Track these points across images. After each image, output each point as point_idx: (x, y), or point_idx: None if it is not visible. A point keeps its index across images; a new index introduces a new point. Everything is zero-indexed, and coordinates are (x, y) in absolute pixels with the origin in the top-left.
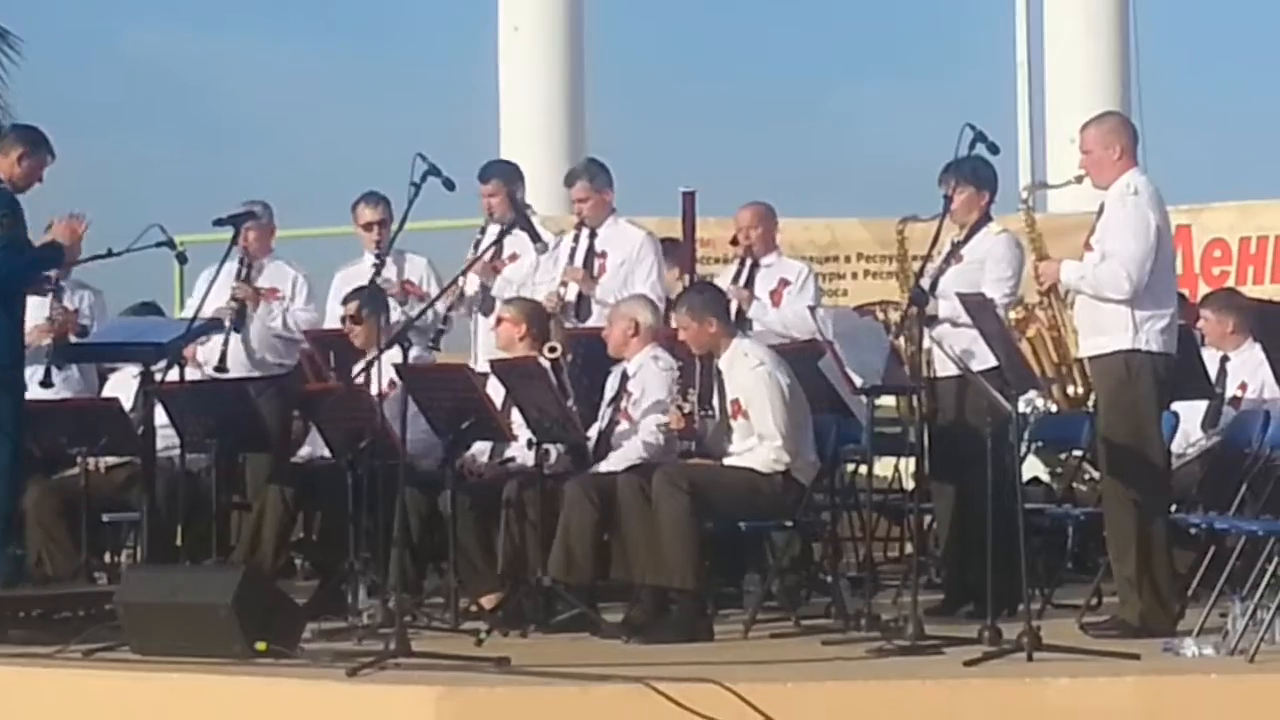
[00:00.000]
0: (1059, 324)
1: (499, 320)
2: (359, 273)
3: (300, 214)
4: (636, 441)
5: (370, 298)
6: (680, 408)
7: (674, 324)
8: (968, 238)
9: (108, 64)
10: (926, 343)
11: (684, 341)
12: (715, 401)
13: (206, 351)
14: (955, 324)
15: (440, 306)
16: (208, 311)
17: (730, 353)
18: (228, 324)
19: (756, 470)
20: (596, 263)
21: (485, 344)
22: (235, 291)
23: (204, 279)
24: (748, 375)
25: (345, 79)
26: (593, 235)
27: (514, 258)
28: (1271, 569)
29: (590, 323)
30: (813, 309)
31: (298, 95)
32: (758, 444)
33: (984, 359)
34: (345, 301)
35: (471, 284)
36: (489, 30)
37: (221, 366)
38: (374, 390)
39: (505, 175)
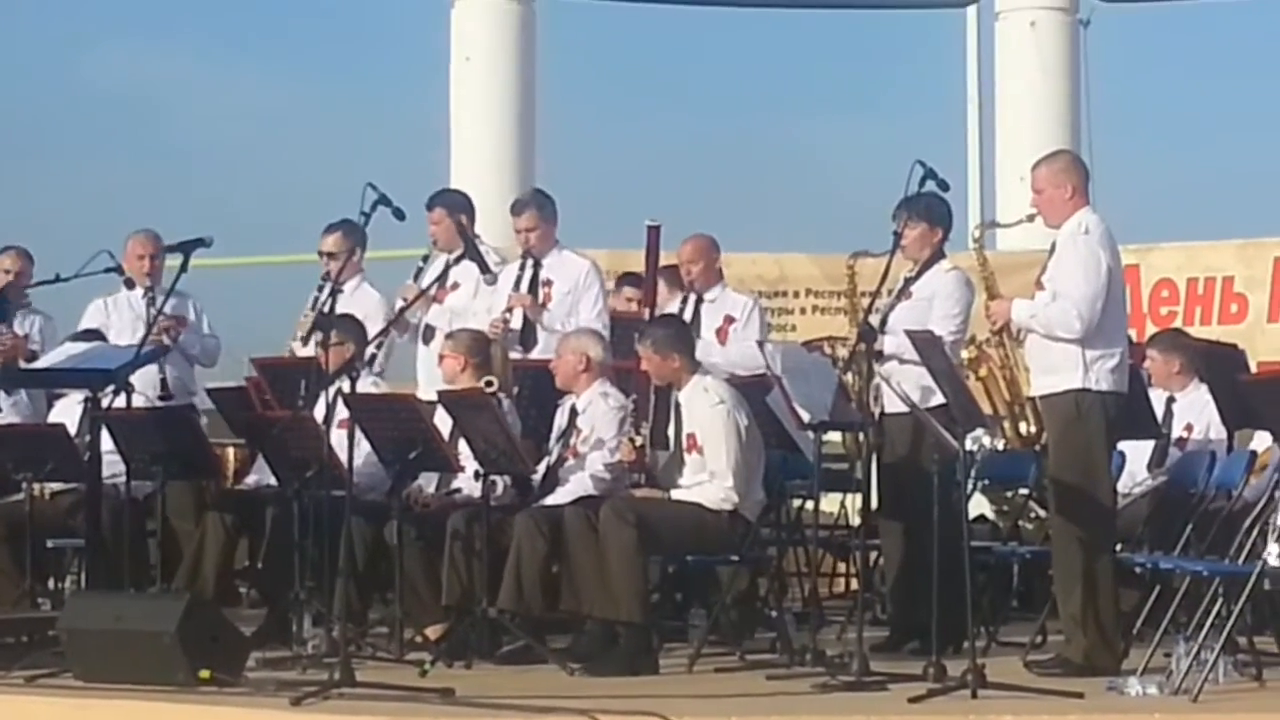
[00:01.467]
0: (1011, 362)
1: (441, 357)
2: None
3: (249, 241)
4: (584, 476)
5: (344, 324)
6: (632, 440)
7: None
8: (919, 274)
9: (67, 90)
10: (874, 379)
11: (638, 373)
12: (670, 432)
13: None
14: (902, 360)
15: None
16: (134, 339)
17: (691, 387)
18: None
19: (704, 506)
20: (542, 292)
21: (427, 373)
22: (161, 321)
23: (97, 309)
24: (707, 412)
25: (297, 107)
26: (537, 265)
27: (455, 287)
28: (1216, 609)
29: (536, 352)
30: (760, 344)
31: (250, 123)
32: (709, 480)
33: (931, 397)
34: (314, 329)
35: (414, 313)
36: (441, 60)
37: (166, 394)
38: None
39: (450, 204)
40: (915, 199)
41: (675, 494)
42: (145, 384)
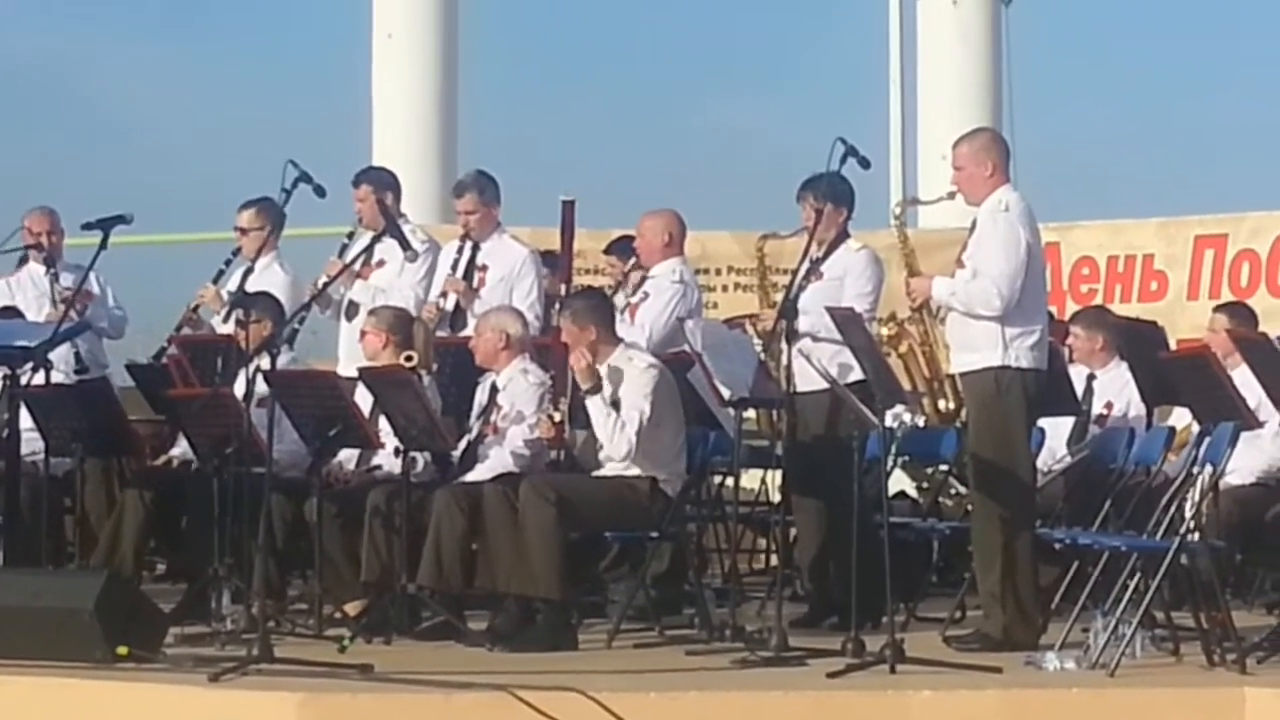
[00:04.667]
0: (931, 339)
1: (363, 333)
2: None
3: (168, 219)
4: (504, 452)
5: (262, 303)
6: (551, 417)
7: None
8: (827, 254)
9: None
10: (786, 358)
11: (556, 349)
12: None
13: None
14: (815, 339)
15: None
16: (40, 316)
17: (614, 360)
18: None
19: (624, 478)
20: (477, 276)
21: (348, 349)
22: (67, 295)
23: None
24: (637, 377)
25: (219, 83)
26: (475, 248)
27: (381, 264)
28: (1133, 585)
29: (464, 334)
30: (681, 321)
31: (171, 98)
32: (618, 430)
33: (848, 374)
34: (234, 307)
35: (337, 289)
36: (363, 36)
37: (81, 367)
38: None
39: (375, 181)
40: (817, 179)
41: (596, 473)
42: (59, 360)
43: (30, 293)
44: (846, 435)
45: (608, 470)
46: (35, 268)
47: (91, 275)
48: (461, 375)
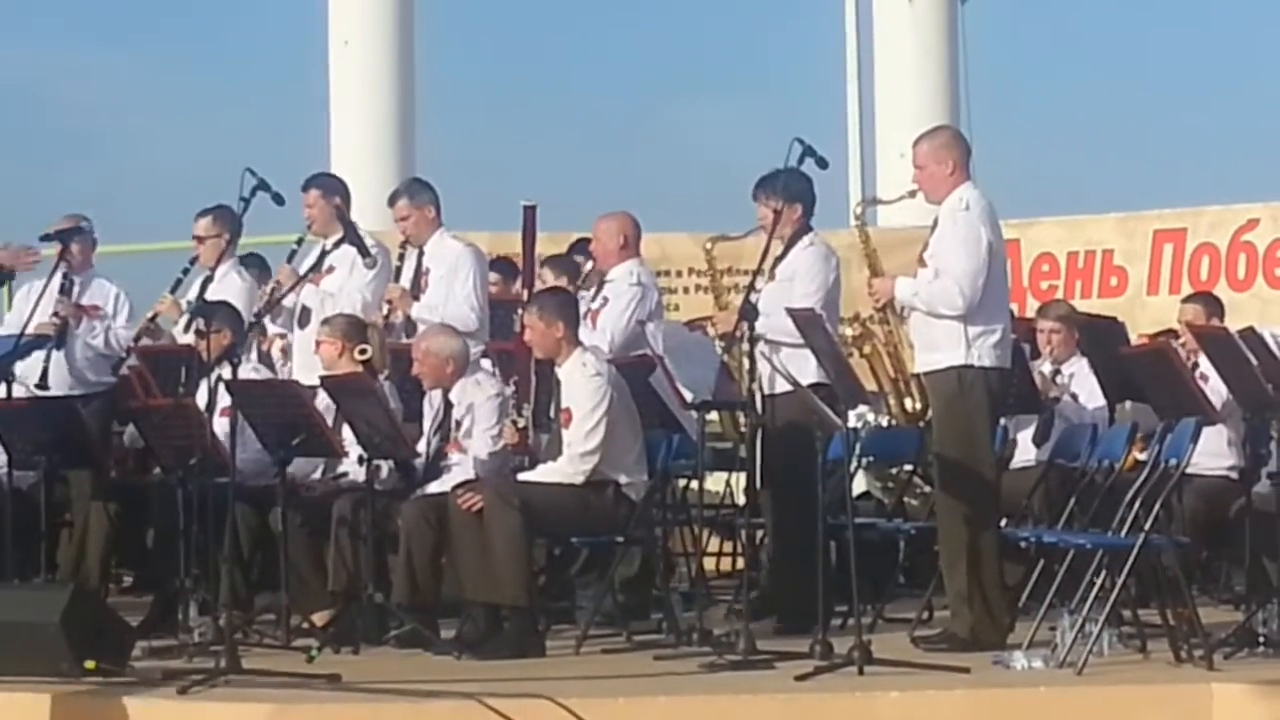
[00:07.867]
0: (896, 339)
1: (318, 344)
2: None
3: (126, 229)
4: (467, 464)
5: (222, 312)
6: (514, 423)
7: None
8: (785, 253)
9: None
10: (747, 360)
11: (519, 353)
12: (552, 411)
13: (24, 368)
14: (769, 340)
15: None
16: (31, 327)
17: (571, 363)
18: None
19: (561, 484)
20: (423, 280)
21: (303, 356)
22: (58, 308)
23: (23, 295)
24: (583, 385)
25: (175, 92)
26: (420, 253)
27: (330, 270)
28: (1099, 582)
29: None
30: (642, 324)
31: (125, 107)
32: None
33: (809, 374)
34: (194, 316)
35: (289, 298)
36: (319, 43)
37: (43, 383)
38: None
39: (324, 187)
40: (772, 178)
41: (523, 475)
42: (29, 373)
43: (49, 299)
44: (809, 436)
45: (532, 475)
46: (56, 278)
47: (111, 293)
48: (417, 381)
